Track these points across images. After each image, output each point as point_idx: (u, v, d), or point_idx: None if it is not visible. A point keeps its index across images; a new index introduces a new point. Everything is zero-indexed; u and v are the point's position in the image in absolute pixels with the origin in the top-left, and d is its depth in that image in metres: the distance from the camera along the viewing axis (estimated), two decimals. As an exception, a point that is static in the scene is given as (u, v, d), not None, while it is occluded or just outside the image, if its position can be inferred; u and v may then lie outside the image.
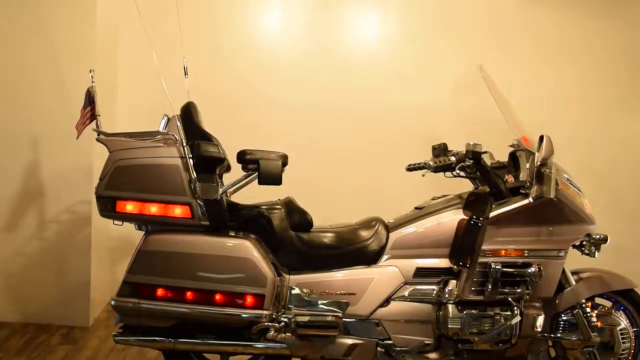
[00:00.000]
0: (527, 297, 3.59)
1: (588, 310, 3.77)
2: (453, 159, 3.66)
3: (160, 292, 3.42)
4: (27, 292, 4.96)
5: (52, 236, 4.94)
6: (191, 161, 3.41)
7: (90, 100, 3.57)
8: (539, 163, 3.54)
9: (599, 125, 5.67)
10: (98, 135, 3.48)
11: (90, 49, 4.77)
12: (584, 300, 3.78)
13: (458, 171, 3.71)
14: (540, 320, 3.65)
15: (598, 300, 3.91)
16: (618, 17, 5.62)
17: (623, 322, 3.85)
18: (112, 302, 3.43)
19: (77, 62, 4.71)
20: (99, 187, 3.42)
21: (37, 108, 4.82)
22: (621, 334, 3.82)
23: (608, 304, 3.94)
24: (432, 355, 3.64)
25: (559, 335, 3.78)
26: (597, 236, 3.69)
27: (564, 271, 3.75)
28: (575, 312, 3.76)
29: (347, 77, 5.56)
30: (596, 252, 3.73)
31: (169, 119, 3.55)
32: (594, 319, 3.76)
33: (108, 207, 3.42)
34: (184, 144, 3.41)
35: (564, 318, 3.79)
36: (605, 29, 5.63)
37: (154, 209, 3.42)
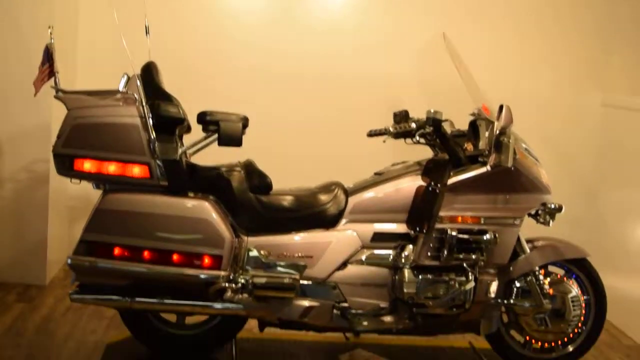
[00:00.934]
0: (482, 263, 3.64)
1: (541, 277, 3.84)
2: (413, 125, 3.68)
3: (117, 251, 3.40)
4: (-17, 251, 4.91)
5: (9, 194, 4.87)
6: (150, 121, 3.37)
7: (48, 57, 3.51)
8: (497, 132, 3.57)
9: (551, 93, 5.71)
10: (56, 92, 3.42)
11: (49, 4, 4.68)
12: (537, 268, 3.84)
13: (418, 138, 3.72)
14: (494, 287, 3.71)
15: (551, 268, 3.98)
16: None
17: (574, 290, 3.92)
18: (69, 261, 3.41)
19: (35, 18, 4.61)
20: (56, 145, 3.38)
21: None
22: (572, 301, 3.89)
23: (561, 272, 4.01)
24: (387, 318, 3.68)
25: (511, 301, 3.83)
26: (552, 205, 3.74)
27: (518, 239, 3.80)
28: (528, 279, 3.82)
29: (311, 44, 5.52)
30: (551, 221, 3.78)
31: (129, 78, 3.48)
32: (547, 287, 3.84)
33: (65, 165, 3.38)
34: (144, 104, 3.37)
35: (517, 285, 3.85)
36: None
37: (112, 168, 3.39)
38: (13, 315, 4.39)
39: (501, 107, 3.58)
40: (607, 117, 5.60)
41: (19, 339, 4.06)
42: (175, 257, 3.42)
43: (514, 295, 3.84)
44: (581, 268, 3.99)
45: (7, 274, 4.91)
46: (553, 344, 3.98)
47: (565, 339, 3.98)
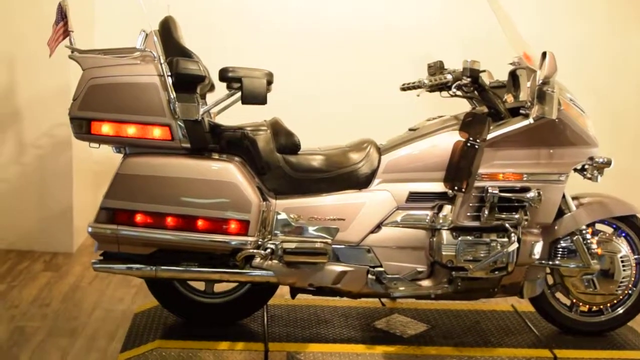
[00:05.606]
0: (525, 223, 3.52)
1: (588, 236, 3.71)
2: (449, 77, 3.56)
3: (139, 217, 3.32)
4: (9, 219, 4.87)
5: (32, 161, 4.83)
6: (170, 80, 3.25)
7: (62, 15, 3.41)
8: (540, 81, 3.42)
9: (602, 42, 5.56)
10: (71, 52, 3.32)
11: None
12: (584, 227, 3.72)
13: (454, 90, 3.60)
14: (538, 247, 3.59)
15: (599, 226, 3.85)
16: None
17: (624, 249, 3.79)
18: (89, 229, 3.34)
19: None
20: (72, 108, 3.29)
21: (6, 25, 4.65)
22: (622, 261, 3.76)
23: (609, 230, 3.88)
24: (425, 282, 3.60)
25: (557, 262, 3.73)
26: (601, 159, 3.60)
27: (564, 196, 3.67)
28: (574, 238, 3.70)
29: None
30: (599, 177, 3.64)
31: (146, 35, 3.39)
32: (594, 246, 3.71)
33: (83, 128, 3.30)
34: (162, 61, 3.26)
35: (563, 245, 3.73)
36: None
37: (131, 130, 3.29)
38: (40, 284, 4.36)
39: (544, 55, 3.42)
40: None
41: (46, 309, 4.02)
42: (200, 222, 3.33)
43: (559, 256, 3.73)
44: (631, 225, 3.84)
45: (34, 242, 4.90)
46: (601, 307, 3.86)
47: (615, 301, 3.84)
